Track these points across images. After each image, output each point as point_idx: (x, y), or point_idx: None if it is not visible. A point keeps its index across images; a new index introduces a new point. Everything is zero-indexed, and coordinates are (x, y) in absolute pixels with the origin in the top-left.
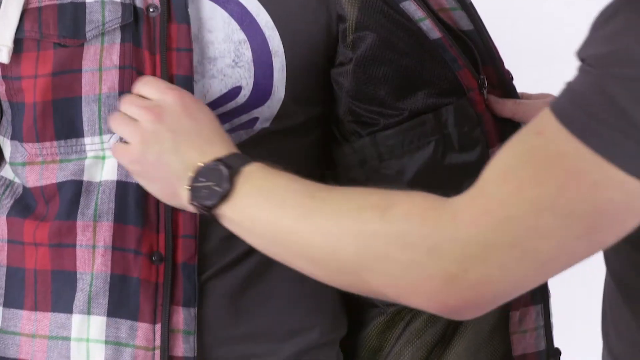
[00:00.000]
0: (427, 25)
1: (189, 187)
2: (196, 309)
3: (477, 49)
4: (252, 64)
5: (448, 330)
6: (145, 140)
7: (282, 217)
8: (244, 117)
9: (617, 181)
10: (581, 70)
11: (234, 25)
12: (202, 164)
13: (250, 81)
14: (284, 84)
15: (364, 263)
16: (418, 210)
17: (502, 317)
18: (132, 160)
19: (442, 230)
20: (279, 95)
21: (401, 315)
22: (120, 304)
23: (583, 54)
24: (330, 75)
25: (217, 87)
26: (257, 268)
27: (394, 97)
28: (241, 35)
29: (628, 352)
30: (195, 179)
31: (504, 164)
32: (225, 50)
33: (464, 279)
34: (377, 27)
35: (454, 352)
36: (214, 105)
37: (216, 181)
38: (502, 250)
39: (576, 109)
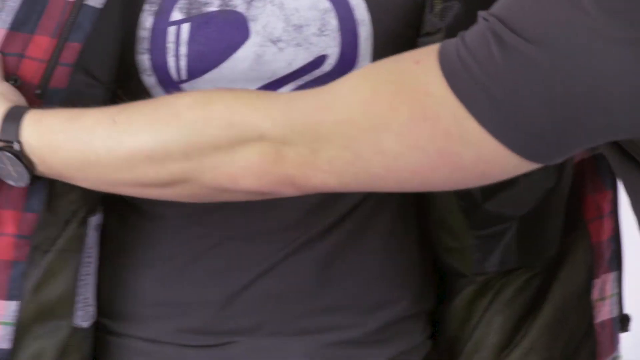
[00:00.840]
0: None
1: None
2: None
3: None
4: (338, 32)
5: (538, 298)
6: None
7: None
8: None
9: (473, 136)
10: (478, 21)
11: None
12: None
13: (336, 50)
14: (370, 53)
15: (193, 158)
16: (247, 96)
17: (586, 286)
18: None
19: (273, 114)
20: (364, 64)
21: (491, 284)
22: None
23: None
24: (417, 44)
25: (303, 55)
26: (345, 239)
27: None
28: (327, 4)
29: None
30: None
31: (368, 75)
32: (311, 19)
33: (292, 159)
34: None
35: (542, 320)
36: (299, 73)
37: (10, 163)
38: (334, 147)
39: (455, 54)
